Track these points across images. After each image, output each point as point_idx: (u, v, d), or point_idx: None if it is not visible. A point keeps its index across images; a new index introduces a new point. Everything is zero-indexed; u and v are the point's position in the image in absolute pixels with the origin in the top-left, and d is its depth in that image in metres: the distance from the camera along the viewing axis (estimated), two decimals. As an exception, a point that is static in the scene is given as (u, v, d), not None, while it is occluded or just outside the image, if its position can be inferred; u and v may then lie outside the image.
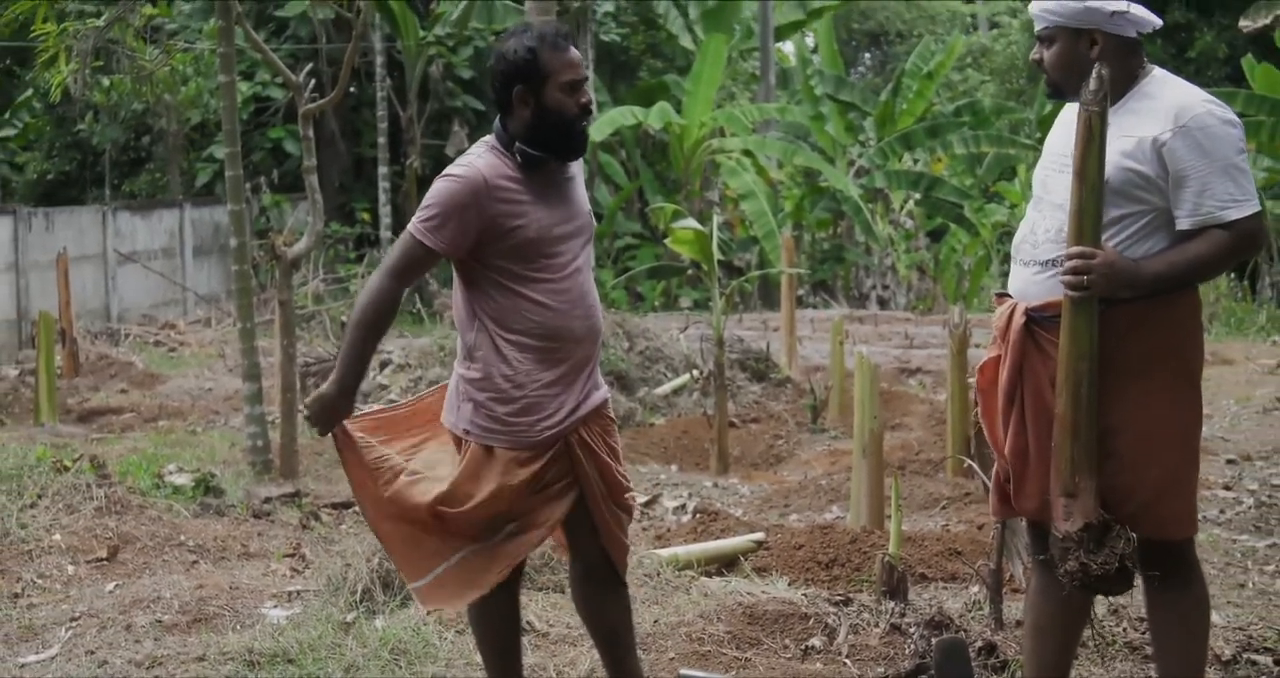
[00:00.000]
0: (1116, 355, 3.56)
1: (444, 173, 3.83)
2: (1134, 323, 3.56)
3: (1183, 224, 3.53)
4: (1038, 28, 3.72)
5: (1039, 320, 3.63)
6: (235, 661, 4.78)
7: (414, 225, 3.77)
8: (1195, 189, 3.50)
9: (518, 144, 3.79)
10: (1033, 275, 3.68)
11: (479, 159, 3.79)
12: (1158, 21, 3.67)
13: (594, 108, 4.00)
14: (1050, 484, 3.59)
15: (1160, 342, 3.58)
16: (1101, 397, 3.54)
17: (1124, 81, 3.64)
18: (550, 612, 5.21)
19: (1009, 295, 3.76)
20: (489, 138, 3.88)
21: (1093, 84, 3.52)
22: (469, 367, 3.85)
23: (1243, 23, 19.26)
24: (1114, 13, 3.61)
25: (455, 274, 3.91)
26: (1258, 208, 3.52)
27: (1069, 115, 3.73)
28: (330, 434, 3.86)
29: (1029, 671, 3.83)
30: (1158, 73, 3.69)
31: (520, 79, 3.77)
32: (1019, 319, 3.66)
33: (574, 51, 3.83)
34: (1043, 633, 3.76)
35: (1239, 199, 3.50)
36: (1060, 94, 3.73)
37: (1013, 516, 3.88)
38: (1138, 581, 3.69)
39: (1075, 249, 3.51)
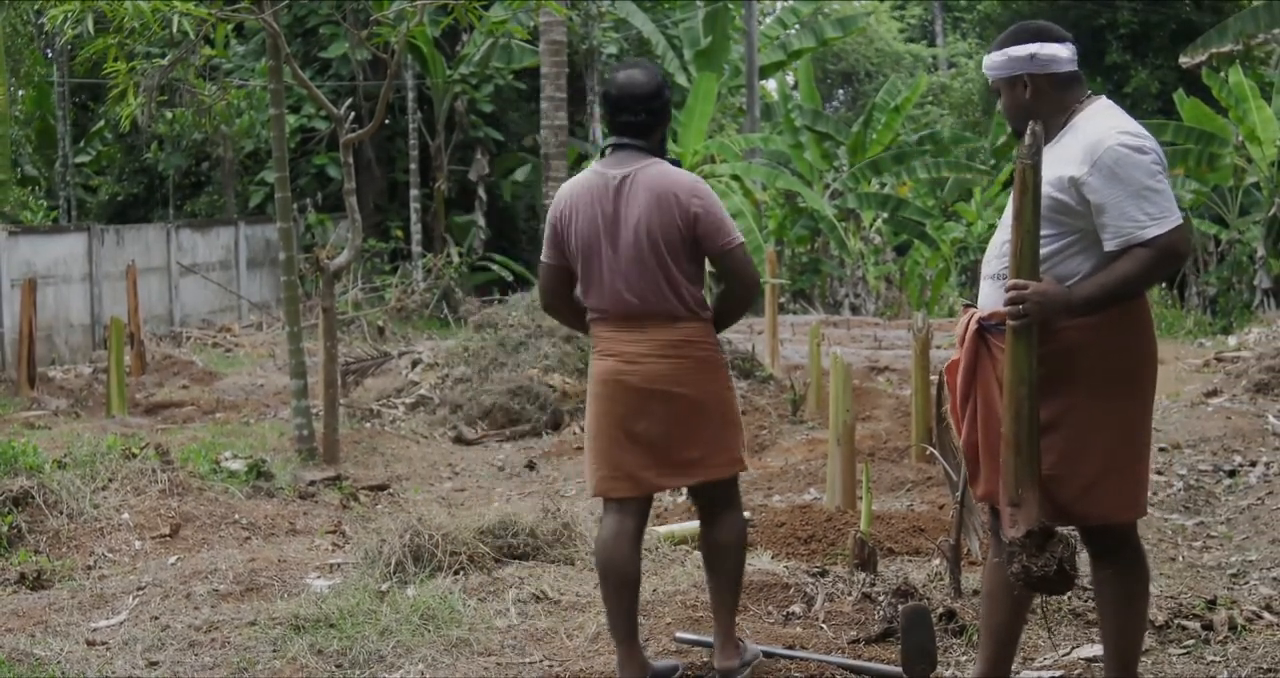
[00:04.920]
0: (1059, 355, 3.52)
1: (698, 181, 4.07)
2: (1077, 325, 3.52)
3: (1109, 246, 3.49)
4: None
5: (988, 328, 3.62)
6: (283, 625, 4.77)
7: (737, 234, 4.05)
8: (1114, 215, 3.46)
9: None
10: (988, 288, 3.67)
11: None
12: (1064, 52, 3.64)
13: None
14: (1000, 487, 3.56)
15: (1105, 340, 3.55)
16: (1044, 392, 3.50)
17: (1060, 114, 3.63)
18: (561, 582, 5.20)
19: (974, 305, 3.75)
20: (662, 161, 4.10)
21: (1027, 139, 3.49)
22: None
23: (1182, 60, 19.30)
24: (1031, 56, 3.61)
25: (688, 265, 4.04)
26: (1176, 222, 3.45)
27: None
28: None
29: (984, 633, 3.82)
30: (1097, 105, 3.64)
31: (669, 107, 4.20)
32: (973, 326, 3.65)
33: None
34: (995, 600, 3.75)
35: (1156, 217, 3.44)
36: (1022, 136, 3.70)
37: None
38: (1082, 555, 3.68)
39: (1011, 282, 3.49)
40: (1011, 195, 3.53)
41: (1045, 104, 3.62)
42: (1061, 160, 3.54)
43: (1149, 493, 7.16)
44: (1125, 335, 3.57)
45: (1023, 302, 3.44)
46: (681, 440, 4.07)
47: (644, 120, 4.12)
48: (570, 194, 4.16)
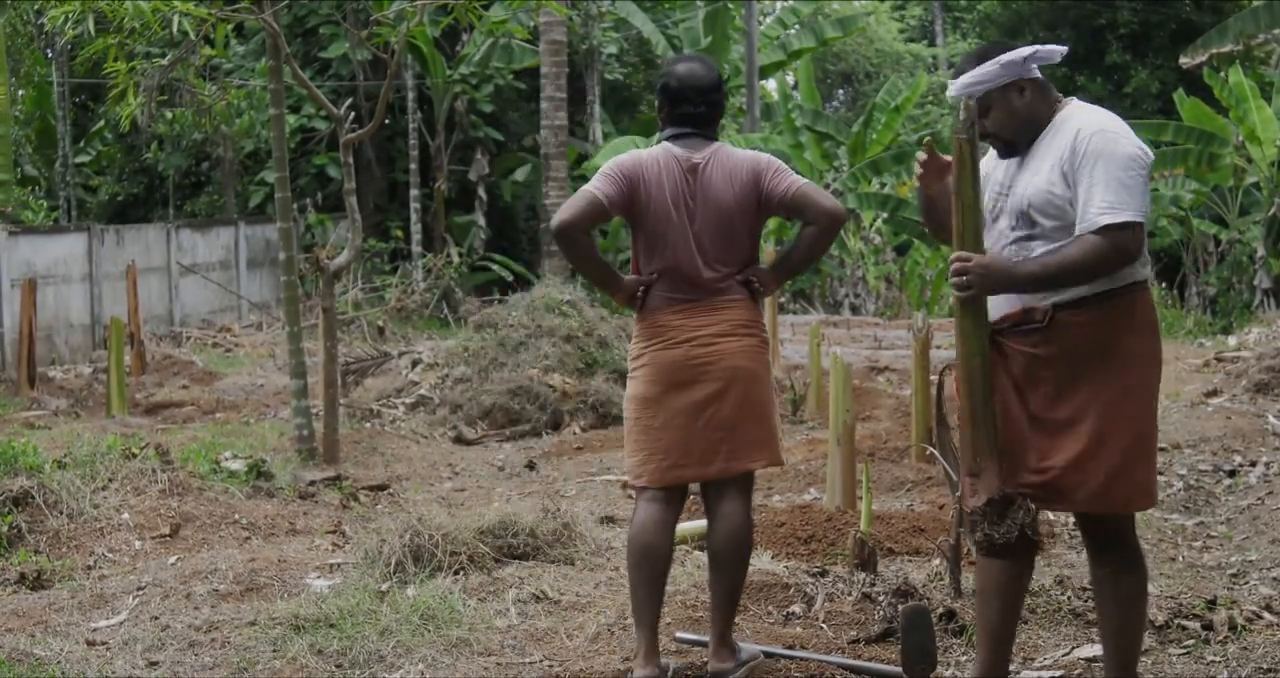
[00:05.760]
0: (1070, 353, 3.56)
1: (766, 154, 4.22)
2: (1084, 322, 3.55)
3: (1079, 230, 3.52)
4: (968, 103, 3.64)
5: (998, 330, 3.64)
6: (283, 625, 4.77)
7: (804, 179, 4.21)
8: (1084, 199, 3.50)
9: None
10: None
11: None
12: (1063, 49, 3.69)
13: None
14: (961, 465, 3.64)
15: (1107, 338, 3.57)
16: (1054, 393, 3.55)
17: (1047, 116, 3.67)
18: (561, 582, 5.20)
19: None
20: (727, 145, 4.24)
21: (962, 114, 3.54)
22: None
23: (1183, 60, 19.31)
24: (1026, 58, 3.63)
25: (756, 244, 4.23)
26: (1133, 218, 3.46)
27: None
28: None
29: (980, 633, 3.83)
30: (1073, 104, 3.70)
31: None
32: None
33: None
34: (988, 598, 3.76)
35: (1115, 206, 3.46)
36: (1014, 151, 3.70)
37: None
38: (1081, 556, 3.68)
39: (955, 255, 3.54)
40: (953, 171, 3.57)
41: (1041, 105, 3.67)
42: (1051, 156, 3.59)
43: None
44: (1133, 331, 3.59)
45: (966, 273, 3.51)
46: (749, 422, 4.16)
47: (704, 112, 4.23)
48: (643, 165, 4.18)
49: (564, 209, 4.10)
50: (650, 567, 4.13)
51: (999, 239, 3.68)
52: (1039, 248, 3.58)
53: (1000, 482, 3.53)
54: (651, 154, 4.21)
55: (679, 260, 4.15)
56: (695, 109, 4.21)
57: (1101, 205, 3.47)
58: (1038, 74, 3.67)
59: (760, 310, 4.31)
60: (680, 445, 4.15)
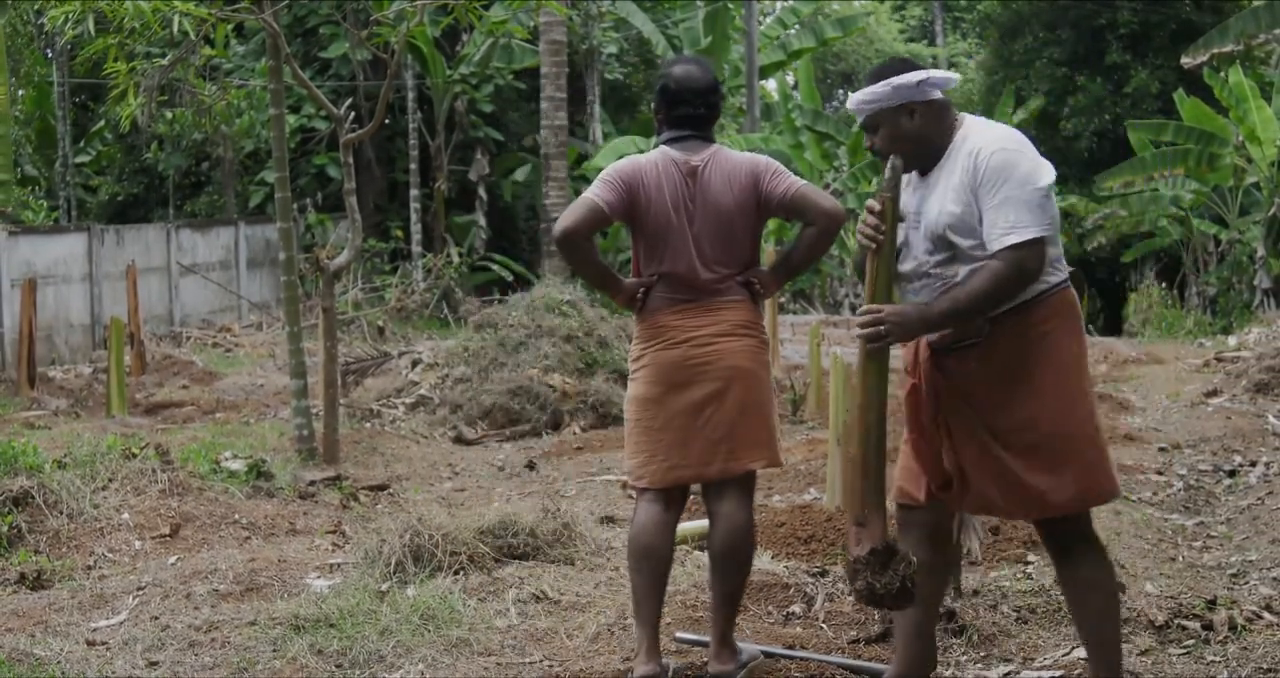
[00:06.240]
0: (1011, 359, 3.62)
1: (765, 157, 4.23)
2: (1019, 330, 3.61)
3: (988, 251, 3.57)
4: (861, 120, 3.75)
5: (939, 350, 3.71)
6: (283, 625, 4.76)
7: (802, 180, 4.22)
8: (988, 221, 3.55)
9: None
10: None
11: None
12: (957, 78, 3.73)
13: None
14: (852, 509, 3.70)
15: (1044, 341, 3.62)
16: (1001, 402, 3.62)
17: (944, 137, 3.70)
18: (561, 582, 5.19)
19: None
20: (725, 147, 4.24)
21: (887, 173, 3.61)
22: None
23: (1184, 60, 19.31)
24: (919, 82, 3.66)
25: (756, 244, 4.24)
26: (1031, 236, 3.51)
27: (916, 180, 3.78)
28: None
29: (899, 634, 3.88)
30: (968, 121, 3.73)
31: None
32: (924, 352, 3.74)
33: None
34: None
35: (1015, 227, 3.51)
36: (906, 168, 3.73)
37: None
38: (1046, 562, 3.69)
39: (864, 308, 3.59)
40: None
41: (936, 128, 3.70)
42: (954, 178, 3.63)
43: (1151, 493, 7.18)
44: (1068, 331, 3.64)
45: (881, 324, 3.55)
46: (748, 422, 4.17)
47: (703, 114, 4.25)
48: (642, 170, 4.21)
49: (565, 216, 4.14)
50: (651, 567, 4.14)
51: (920, 265, 3.72)
52: (962, 269, 3.62)
53: (885, 532, 3.61)
54: (650, 158, 4.23)
55: (679, 263, 4.17)
56: (693, 111, 4.23)
57: (1004, 226, 3.52)
58: (935, 96, 3.68)
59: (760, 311, 4.32)
60: (680, 446, 4.17)
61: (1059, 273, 3.66)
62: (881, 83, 3.67)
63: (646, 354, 4.23)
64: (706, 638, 4.37)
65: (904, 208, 3.74)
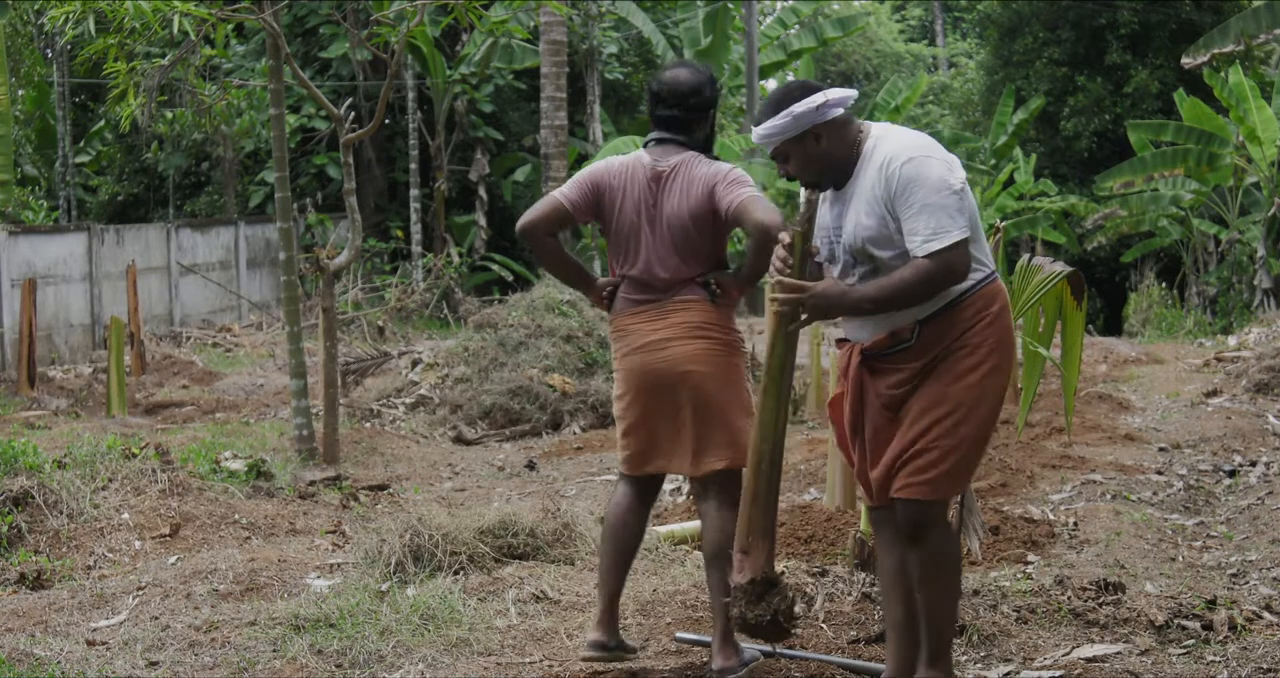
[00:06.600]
0: (926, 366, 3.68)
1: (734, 169, 4.26)
2: (933, 335, 3.67)
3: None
4: (769, 152, 3.79)
5: (869, 356, 3.77)
6: (283, 625, 4.77)
7: (755, 192, 4.21)
8: (908, 230, 3.60)
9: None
10: (856, 324, 3.81)
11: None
12: (854, 94, 3.76)
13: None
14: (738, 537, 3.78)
15: (959, 344, 3.67)
16: (919, 387, 3.69)
17: (852, 150, 3.73)
18: (561, 582, 5.20)
19: (848, 340, 3.88)
20: (702, 156, 4.27)
21: (803, 208, 3.68)
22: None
23: (1184, 60, 19.31)
24: (819, 106, 3.68)
25: (715, 249, 4.28)
26: (955, 239, 3.56)
27: (832, 194, 3.82)
28: None
29: (889, 631, 3.92)
30: (873, 130, 3.76)
31: (716, 106, 4.31)
32: (856, 358, 3.80)
33: None
34: (891, 596, 3.88)
35: (937, 232, 3.56)
36: (822, 187, 3.79)
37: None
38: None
39: (785, 284, 3.63)
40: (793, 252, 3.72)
41: (842, 145, 3.73)
42: (867, 191, 3.67)
43: (1151, 493, 7.19)
44: (984, 334, 3.68)
45: (799, 303, 3.63)
46: (706, 425, 4.24)
47: (678, 116, 4.31)
48: (611, 173, 4.34)
49: (528, 212, 4.34)
50: (616, 540, 4.35)
51: (844, 278, 3.78)
52: None
53: (766, 564, 3.67)
54: (624, 161, 4.37)
55: (639, 265, 4.31)
56: (669, 112, 4.31)
57: (925, 233, 3.57)
58: (836, 115, 3.70)
59: (723, 312, 4.32)
60: (649, 441, 4.34)
61: (983, 268, 3.71)
62: (782, 114, 3.69)
63: (617, 358, 4.42)
64: (707, 638, 4.38)
65: (823, 223, 3.80)
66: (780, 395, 3.70)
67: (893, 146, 3.65)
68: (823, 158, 3.72)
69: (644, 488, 4.43)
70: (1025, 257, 4.96)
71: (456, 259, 21.39)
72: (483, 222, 22.77)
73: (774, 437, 3.70)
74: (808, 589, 4.97)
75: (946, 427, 3.66)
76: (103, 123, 23.42)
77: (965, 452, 3.70)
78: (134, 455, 6.84)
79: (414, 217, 22.18)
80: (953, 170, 3.62)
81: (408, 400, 11.13)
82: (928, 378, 3.69)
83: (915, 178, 3.58)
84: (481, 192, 22.79)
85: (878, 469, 3.78)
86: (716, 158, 4.35)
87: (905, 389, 3.72)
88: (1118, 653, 4.36)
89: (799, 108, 3.66)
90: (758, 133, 3.74)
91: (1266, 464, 7.73)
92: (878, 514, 3.90)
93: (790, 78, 31.64)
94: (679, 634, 4.58)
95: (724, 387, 4.27)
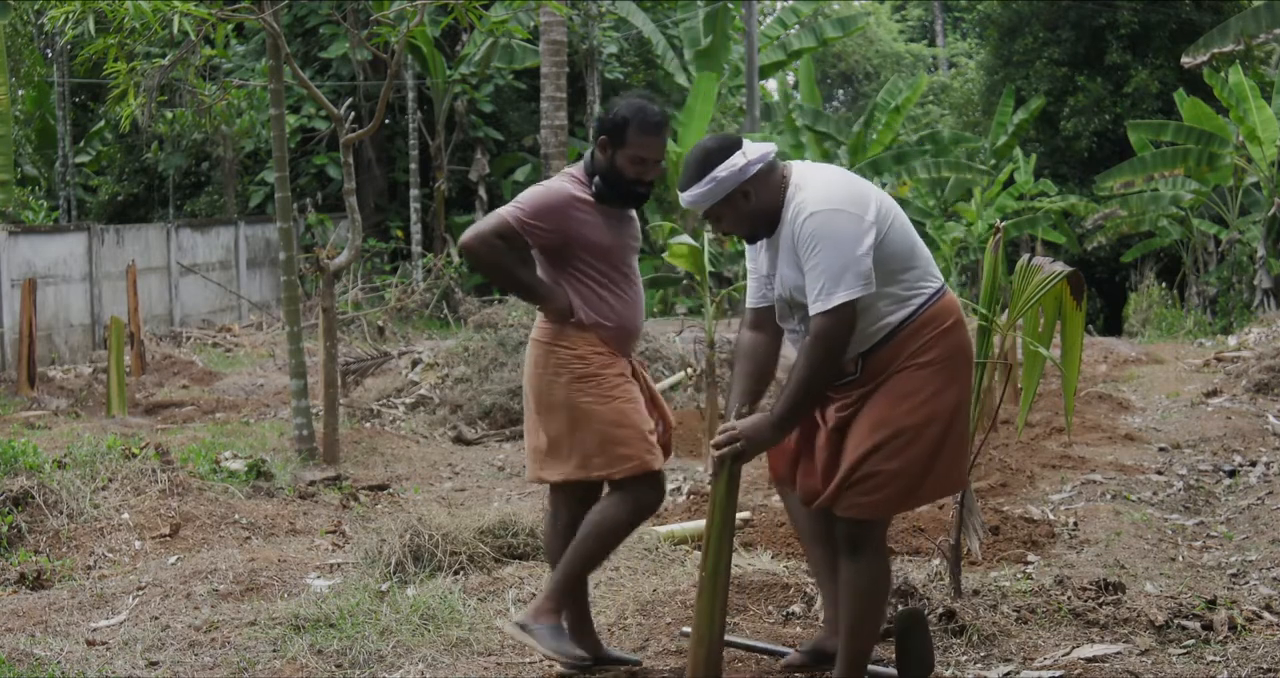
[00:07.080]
0: (875, 389, 3.71)
1: (539, 185, 4.24)
2: (878, 365, 3.70)
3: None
4: (701, 214, 3.84)
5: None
6: (283, 625, 4.77)
7: (510, 210, 4.16)
8: (807, 287, 3.65)
9: (596, 178, 4.18)
10: (794, 340, 3.86)
11: (565, 181, 4.20)
12: (773, 148, 3.78)
13: (651, 186, 4.28)
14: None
15: (907, 372, 3.69)
16: (867, 408, 3.72)
17: (779, 196, 3.75)
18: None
19: None
20: (573, 168, 4.26)
21: (712, 466, 3.78)
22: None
23: (1184, 60, 19.30)
24: (743, 166, 3.71)
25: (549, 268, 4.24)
26: (836, 302, 3.58)
27: (767, 243, 3.85)
28: None
29: (821, 585, 4.04)
30: (795, 173, 3.77)
31: (608, 132, 4.15)
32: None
33: (660, 138, 4.18)
34: (811, 540, 4.02)
35: (826, 293, 3.60)
36: (757, 239, 3.84)
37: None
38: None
39: (721, 429, 3.71)
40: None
41: (770, 195, 3.76)
42: (787, 244, 3.72)
43: (1151, 493, 7.18)
44: (931, 362, 3.70)
45: (738, 439, 3.68)
46: (530, 433, 4.33)
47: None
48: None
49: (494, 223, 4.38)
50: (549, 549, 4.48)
51: (784, 321, 3.85)
52: None
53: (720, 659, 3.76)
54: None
55: None
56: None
57: (815, 293, 3.61)
58: (758, 169, 3.72)
59: (558, 330, 4.29)
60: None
61: (922, 291, 3.71)
62: (706, 179, 3.71)
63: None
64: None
65: (763, 271, 3.87)
66: (733, 485, 3.75)
67: (803, 198, 3.67)
68: (754, 213, 3.76)
69: (555, 498, 4.50)
70: (1025, 257, 4.95)
71: (456, 259, 21.39)
72: (483, 222, 22.77)
73: (726, 524, 3.77)
74: (807, 589, 4.97)
75: (889, 451, 3.67)
76: (103, 123, 23.42)
77: (913, 474, 3.71)
78: (134, 455, 6.84)
79: (414, 217, 22.19)
80: (856, 220, 3.60)
81: (408, 400, 11.13)
82: (874, 395, 3.71)
83: (814, 235, 3.60)
84: (481, 192, 22.79)
85: (813, 478, 3.83)
86: (626, 208, 4.29)
87: (852, 410, 3.75)
88: (1118, 653, 4.36)
89: (721, 172, 3.69)
90: (685, 199, 3.76)
91: (1266, 464, 7.73)
92: (782, 487, 4.02)
93: (790, 78, 31.71)
94: (685, 630, 4.58)
95: (545, 393, 4.27)
